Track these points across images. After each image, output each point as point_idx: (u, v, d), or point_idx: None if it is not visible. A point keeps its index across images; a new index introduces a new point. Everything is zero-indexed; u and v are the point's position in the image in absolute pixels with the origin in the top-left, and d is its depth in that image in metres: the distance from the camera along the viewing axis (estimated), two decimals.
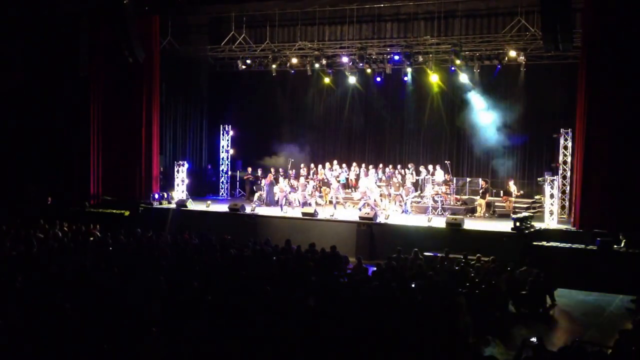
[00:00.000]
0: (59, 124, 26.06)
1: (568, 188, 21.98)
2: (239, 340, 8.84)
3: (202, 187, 28.27)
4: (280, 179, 24.76)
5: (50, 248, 16.19)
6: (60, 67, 25.43)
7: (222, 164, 28.35)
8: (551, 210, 20.57)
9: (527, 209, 22.96)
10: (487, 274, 14.76)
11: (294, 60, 26.06)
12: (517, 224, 18.96)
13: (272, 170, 25.86)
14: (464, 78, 24.60)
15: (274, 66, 26.25)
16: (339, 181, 25.35)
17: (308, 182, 24.78)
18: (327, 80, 27.20)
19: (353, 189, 25.73)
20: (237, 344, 8.74)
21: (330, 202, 24.12)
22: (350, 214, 22.76)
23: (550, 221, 20.39)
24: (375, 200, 22.78)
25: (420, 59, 24.34)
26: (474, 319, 11.74)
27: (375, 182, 24.29)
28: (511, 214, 21.59)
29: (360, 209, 22.53)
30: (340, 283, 13.96)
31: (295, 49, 26.13)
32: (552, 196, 20.63)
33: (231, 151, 28.45)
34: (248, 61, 26.70)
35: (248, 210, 22.96)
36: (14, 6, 24.52)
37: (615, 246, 17.74)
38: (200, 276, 13.10)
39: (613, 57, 18.88)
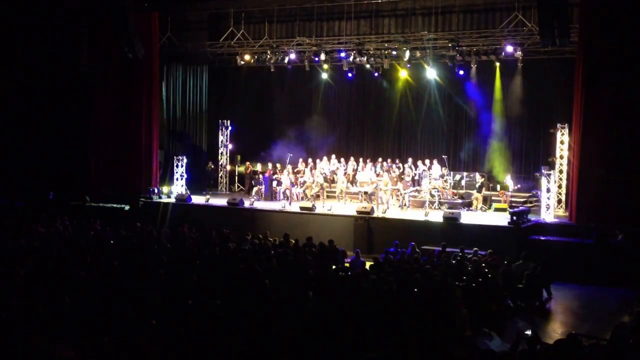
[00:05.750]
0: (60, 120, 26.20)
1: (565, 182, 22.12)
2: (238, 334, 8.95)
3: (201, 181, 28.40)
4: (285, 172, 24.87)
5: (51, 242, 16.28)
6: (61, 63, 25.56)
7: (221, 159, 28.47)
8: (548, 205, 20.66)
9: (523, 203, 23.08)
10: (484, 267, 14.86)
11: (292, 56, 26.14)
12: (514, 218, 19.08)
13: (270, 164, 25.99)
14: (460, 73, 24.71)
15: (272, 62, 26.34)
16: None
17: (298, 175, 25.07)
18: (325, 75, 27.31)
19: (351, 183, 25.86)
20: (236, 337, 8.84)
21: (328, 196, 24.27)
22: (348, 208, 22.87)
23: (547, 215, 20.48)
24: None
25: (418, 54, 24.41)
26: (471, 312, 11.80)
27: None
28: (508, 208, 21.75)
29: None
30: (338, 277, 14.06)
31: (293, 45, 26.21)
32: (548, 190, 20.72)
33: (230, 146, 28.57)
34: (247, 57, 26.75)
35: (247, 204, 23.07)
36: (15, 3, 24.63)
37: (611, 240, 17.86)
38: (200, 270, 13.22)
39: (610, 52, 18.99)
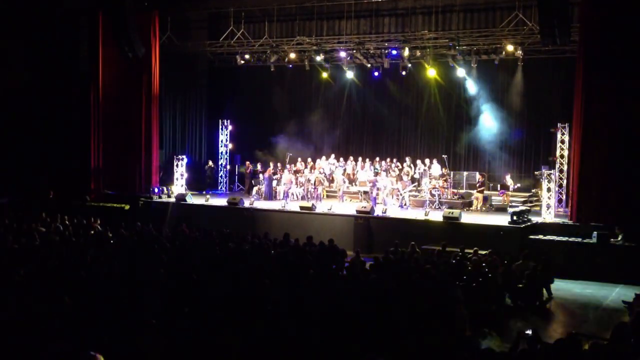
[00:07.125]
0: (60, 119, 26.21)
1: (565, 182, 22.09)
2: (237, 333, 8.94)
3: (201, 181, 28.40)
4: (285, 171, 24.92)
5: (51, 241, 16.28)
6: (61, 62, 25.56)
7: (221, 159, 28.47)
8: (548, 204, 20.65)
9: (524, 202, 23.06)
10: (484, 267, 14.85)
11: (292, 55, 26.11)
12: (514, 217, 19.06)
13: (271, 164, 25.99)
14: (461, 72, 24.72)
15: (272, 61, 26.32)
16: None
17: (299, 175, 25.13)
18: (325, 75, 27.29)
19: (351, 183, 25.86)
20: (236, 336, 8.83)
21: (328, 196, 24.29)
22: (348, 207, 22.86)
23: (547, 215, 20.47)
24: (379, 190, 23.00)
25: (418, 53, 24.40)
26: (471, 312, 11.81)
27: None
28: (508, 208, 21.73)
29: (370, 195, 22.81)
30: (339, 276, 14.06)
31: (293, 44, 26.20)
32: (549, 190, 20.71)
33: (230, 146, 28.57)
34: (246, 56, 26.76)
35: (247, 204, 23.06)
36: (15, 3, 24.63)
37: (612, 239, 17.85)
38: (200, 269, 13.21)
39: (610, 51, 18.99)
